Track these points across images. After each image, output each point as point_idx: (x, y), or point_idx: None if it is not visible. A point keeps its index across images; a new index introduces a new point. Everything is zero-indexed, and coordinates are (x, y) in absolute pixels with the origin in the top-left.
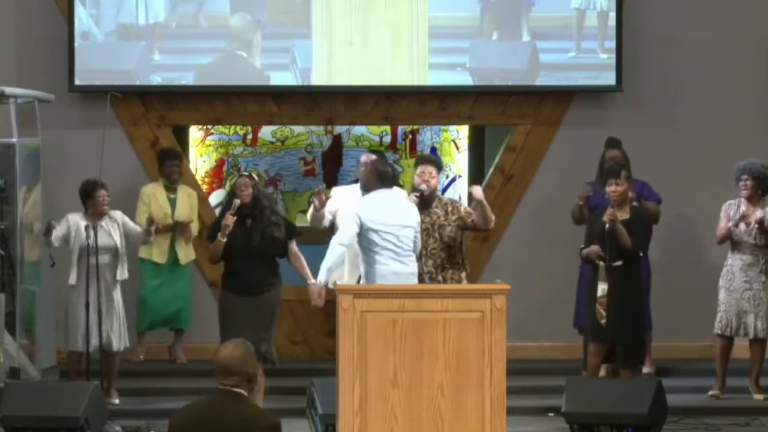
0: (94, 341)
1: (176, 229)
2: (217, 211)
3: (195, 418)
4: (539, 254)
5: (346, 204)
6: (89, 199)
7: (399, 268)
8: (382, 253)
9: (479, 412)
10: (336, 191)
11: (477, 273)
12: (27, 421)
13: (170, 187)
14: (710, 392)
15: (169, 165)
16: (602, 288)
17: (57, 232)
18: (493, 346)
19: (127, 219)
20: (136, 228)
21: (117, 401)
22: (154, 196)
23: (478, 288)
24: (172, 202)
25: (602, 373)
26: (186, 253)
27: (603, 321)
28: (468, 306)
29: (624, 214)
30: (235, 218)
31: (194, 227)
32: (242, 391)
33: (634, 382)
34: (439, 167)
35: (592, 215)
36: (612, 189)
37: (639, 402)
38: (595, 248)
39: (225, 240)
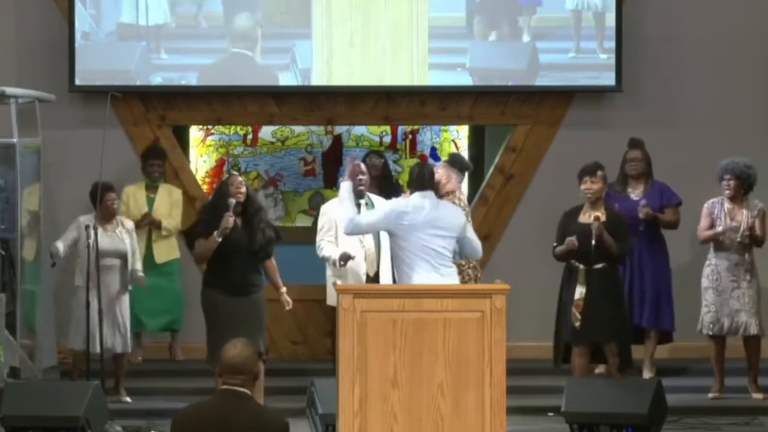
0: (95, 341)
1: (151, 224)
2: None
3: (200, 418)
4: (539, 254)
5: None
6: (100, 202)
7: (436, 279)
8: (419, 264)
9: (479, 411)
10: (326, 209)
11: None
12: (27, 421)
13: (151, 186)
14: (710, 394)
15: (151, 164)
16: (580, 291)
17: (62, 247)
18: (493, 346)
19: (135, 239)
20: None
21: (128, 399)
22: (133, 196)
23: (478, 288)
24: (151, 202)
25: (599, 370)
26: (163, 252)
27: (577, 324)
28: (468, 306)
29: (600, 215)
30: (233, 219)
31: (173, 224)
32: (247, 391)
33: (634, 382)
34: (462, 169)
35: (563, 216)
36: (587, 187)
37: (639, 402)
38: (570, 239)
39: (220, 240)
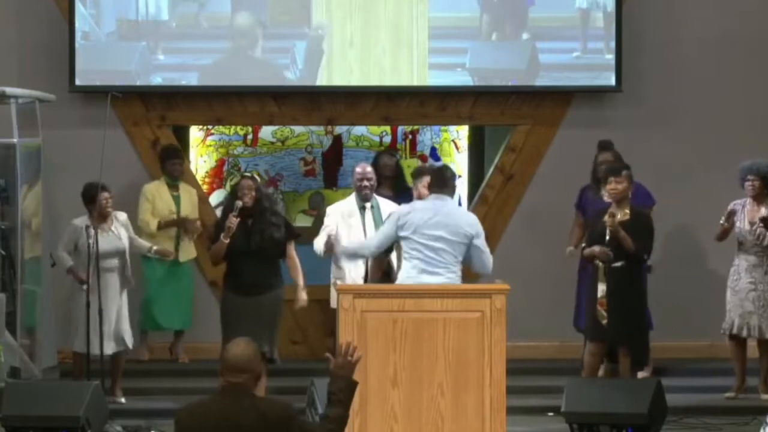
0: (98, 342)
1: (183, 226)
2: (218, 212)
3: (204, 414)
4: (539, 254)
5: (340, 219)
6: (92, 202)
7: (424, 278)
8: (410, 262)
9: (479, 411)
10: (330, 210)
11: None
12: (28, 421)
13: (172, 185)
14: (726, 394)
15: (172, 163)
16: (602, 288)
17: (61, 252)
18: (492, 346)
19: (130, 227)
20: (141, 243)
21: (123, 400)
22: (158, 193)
23: (478, 288)
24: (176, 200)
25: (600, 373)
26: (186, 251)
27: (604, 321)
28: (468, 306)
29: (624, 215)
30: (238, 219)
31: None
32: (250, 388)
33: (634, 381)
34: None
35: (592, 215)
36: (611, 187)
37: (639, 402)
38: (605, 249)
39: (227, 241)
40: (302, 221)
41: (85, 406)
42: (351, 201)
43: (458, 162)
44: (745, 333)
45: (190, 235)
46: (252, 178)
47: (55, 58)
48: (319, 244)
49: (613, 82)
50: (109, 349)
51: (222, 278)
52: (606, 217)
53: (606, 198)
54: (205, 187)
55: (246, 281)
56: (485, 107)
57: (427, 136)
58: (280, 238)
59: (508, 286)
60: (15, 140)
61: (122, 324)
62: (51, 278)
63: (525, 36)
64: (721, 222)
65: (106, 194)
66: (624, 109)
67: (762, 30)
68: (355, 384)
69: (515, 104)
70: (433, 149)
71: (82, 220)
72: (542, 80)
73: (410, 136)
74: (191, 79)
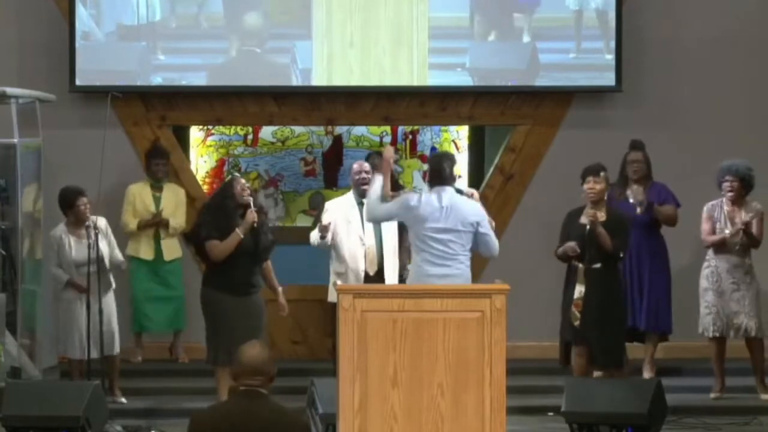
0: (93, 348)
1: (161, 225)
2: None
3: (220, 419)
4: (539, 254)
5: (339, 215)
6: (70, 208)
7: (433, 270)
8: (419, 255)
9: (479, 411)
10: (329, 206)
11: (477, 273)
12: (28, 421)
13: (156, 186)
14: (711, 395)
15: (155, 164)
16: (579, 290)
17: (54, 270)
18: (492, 345)
19: (110, 232)
20: (119, 256)
21: (123, 400)
22: (139, 194)
23: (477, 288)
24: (157, 201)
25: (599, 374)
26: (170, 250)
27: (576, 323)
28: (468, 306)
29: (601, 215)
30: (255, 216)
31: (179, 223)
32: (265, 392)
33: (634, 381)
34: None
35: (567, 216)
36: (590, 187)
37: (638, 402)
38: (571, 244)
39: (242, 236)
40: (302, 221)
41: (85, 406)
42: (349, 197)
43: (458, 162)
44: (732, 334)
45: (170, 231)
46: (241, 177)
47: (55, 58)
48: (314, 236)
49: (613, 82)
50: (105, 351)
51: (206, 277)
52: (583, 217)
53: (631, 200)
54: (205, 188)
55: (242, 281)
56: (485, 107)
57: (427, 136)
58: (274, 241)
59: (508, 286)
60: (15, 140)
61: (112, 326)
62: (51, 278)
63: (525, 36)
64: (727, 233)
65: (84, 199)
66: (624, 109)
67: (762, 30)
68: None
69: (515, 104)
70: (433, 149)
71: (59, 229)
72: (542, 80)
73: (410, 136)
74: (191, 79)
